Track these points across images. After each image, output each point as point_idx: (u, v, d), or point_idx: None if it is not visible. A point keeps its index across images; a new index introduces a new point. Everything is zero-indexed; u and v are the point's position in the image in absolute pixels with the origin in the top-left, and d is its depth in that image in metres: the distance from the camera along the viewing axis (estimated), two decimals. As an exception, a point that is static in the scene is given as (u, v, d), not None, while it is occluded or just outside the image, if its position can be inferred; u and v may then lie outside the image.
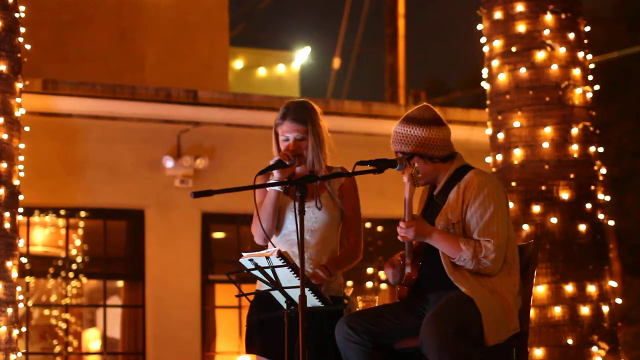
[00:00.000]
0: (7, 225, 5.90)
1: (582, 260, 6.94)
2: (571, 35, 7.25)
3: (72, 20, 12.03)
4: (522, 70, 7.18)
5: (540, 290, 6.89)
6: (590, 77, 7.32)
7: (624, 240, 15.54)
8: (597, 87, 7.36)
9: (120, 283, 10.89)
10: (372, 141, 10.13)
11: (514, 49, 7.23)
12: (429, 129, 4.39)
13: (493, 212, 4.28)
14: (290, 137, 4.60)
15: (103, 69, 11.76)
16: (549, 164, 7.05)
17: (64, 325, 12.09)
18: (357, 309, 4.53)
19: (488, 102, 7.47)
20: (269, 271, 4.11)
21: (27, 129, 6.35)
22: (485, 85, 7.49)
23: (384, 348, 4.32)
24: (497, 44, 7.32)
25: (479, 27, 7.53)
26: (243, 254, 4.15)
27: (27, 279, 9.76)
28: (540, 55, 7.18)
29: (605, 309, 6.96)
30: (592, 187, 7.12)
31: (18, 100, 6.11)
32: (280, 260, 4.05)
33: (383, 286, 10.80)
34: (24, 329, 9.00)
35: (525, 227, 6.99)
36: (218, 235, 10.54)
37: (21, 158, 6.13)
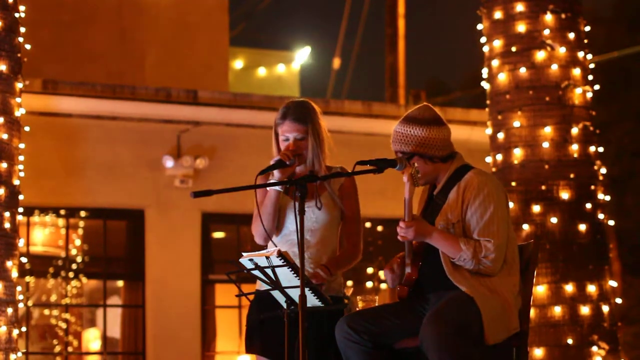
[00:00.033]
0: (7, 225, 5.90)
1: (582, 260, 6.94)
2: (571, 35, 7.24)
3: (72, 20, 12.02)
4: (522, 70, 7.18)
5: (540, 290, 6.89)
6: (590, 77, 7.32)
7: (624, 240, 15.53)
8: (597, 87, 7.36)
9: (120, 283, 10.88)
10: (372, 141, 10.11)
11: (514, 49, 7.23)
12: (429, 128, 4.39)
13: (493, 212, 4.28)
14: (290, 136, 4.60)
15: (103, 69, 11.76)
16: (549, 164, 7.05)
17: (64, 325, 12.07)
18: (357, 309, 4.53)
19: (488, 102, 7.47)
20: (269, 271, 4.11)
21: (27, 129, 6.34)
22: (485, 85, 7.49)
23: (384, 348, 4.32)
24: (497, 43, 7.32)
25: (479, 27, 7.53)
26: (243, 253, 4.15)
27: (27, 278, 9.76)
28: (540, 55, 7.17)
29: (605, 308, 6.95)
30: (592, 187, 7.12)
31: (18, 100, 6.11)
32: (280, 260, 4.05)
33: (383, 286, 10.78)
34: (24, 329, 8.99)
35: (525, 227, 6.99)
36: (218, 235, 10.53)
37: (21, 158, 6.13)
